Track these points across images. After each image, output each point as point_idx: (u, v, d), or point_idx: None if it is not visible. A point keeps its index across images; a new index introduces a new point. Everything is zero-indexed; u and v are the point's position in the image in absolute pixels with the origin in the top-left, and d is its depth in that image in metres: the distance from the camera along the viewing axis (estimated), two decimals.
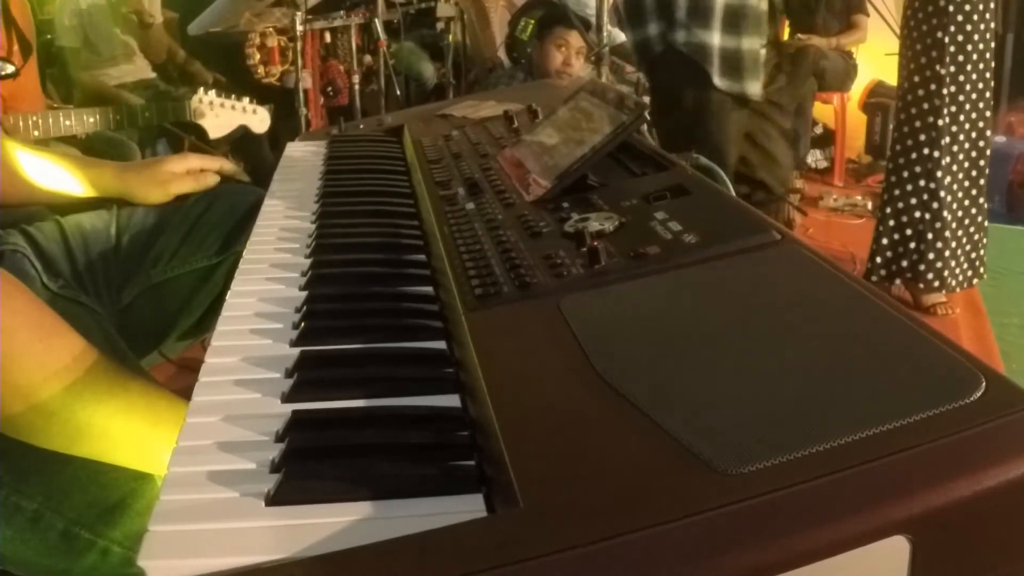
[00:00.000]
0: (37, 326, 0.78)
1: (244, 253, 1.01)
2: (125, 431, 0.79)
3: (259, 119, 2.03)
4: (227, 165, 1.38)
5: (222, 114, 2.00)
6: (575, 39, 3.39)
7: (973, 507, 0.50)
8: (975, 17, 2.65)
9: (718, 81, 2.19)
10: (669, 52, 2.23)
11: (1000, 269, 2.37)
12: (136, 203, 1.31)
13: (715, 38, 2.16)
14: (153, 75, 3.59)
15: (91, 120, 1.99)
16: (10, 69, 1.94)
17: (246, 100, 2.04)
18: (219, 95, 2.02)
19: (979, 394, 0.55)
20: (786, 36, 4.54)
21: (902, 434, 0.52)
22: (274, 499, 0.57)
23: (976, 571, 0.52)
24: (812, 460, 0.51)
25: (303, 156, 1.47)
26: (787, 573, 0.48)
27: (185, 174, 1.32)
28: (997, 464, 0.50)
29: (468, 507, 0.56)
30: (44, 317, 0.80)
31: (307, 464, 0.61)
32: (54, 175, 1.25)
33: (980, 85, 2.70)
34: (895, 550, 0.49)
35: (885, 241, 2.84)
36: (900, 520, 0.49)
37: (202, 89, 2.02)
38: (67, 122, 1.96)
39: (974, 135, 2.73)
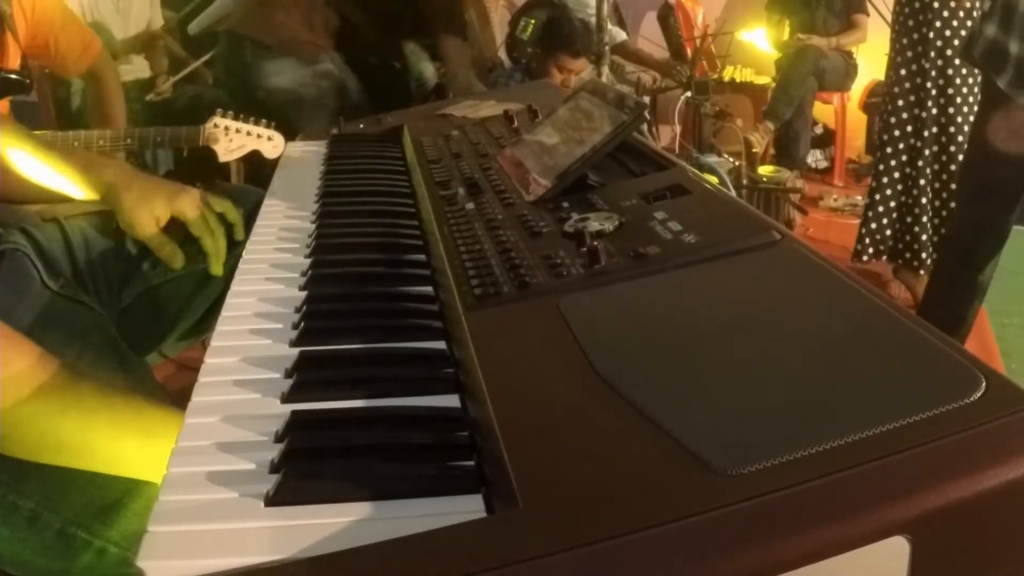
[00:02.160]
0: None
1: (244, 253, 1.01)
2: (86, 441, 0.79)
3: (272, 145, 1.99)
4: (231, 213, 1.26)
5: (236, 139, 1.98)
6: (578, 65, 3.38)
7: (973, 507, 0.50)
8: (961, 14, 2.74)
9: None
10: None
11: (1000, 269, 2.37)
12: (119, 220, 1.20)
13: None
14: (149, 74, 3.58)
15: (101, 142, 1.97)
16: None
17: (262, 125, 2.00)
18: (235, 119, 1.99)
19: (979, 394, 0.55)
20: (786, 35, 4.54)
21: (902, 434, 0.52)
22: (273, 499, 0.57)
23: (976, 571, 0.52)
24: (812, 460, 0.51)
25: (303, 156, 1.47)
26: (787, 573, 0.48)
27: (191, 216, 1.21)
28: (997, 464, 0.50)
29: (467, 507, 0.56)
30: None
31: (306, 464, 0.61)
32: (46, 173, 1.22)
33: (970, 80, 2.75)
34: (895, 550, 0.49)
35: (873, 225, 2.99)
36: (900, 520, 0.49)
37: (219, 112, 1.98)
38: (76, 143, 1.94)
39: (952, 130, 2.80)
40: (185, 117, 2.07)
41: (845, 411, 0.55)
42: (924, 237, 2.92)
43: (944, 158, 2.86)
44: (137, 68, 3.53)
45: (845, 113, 4.53)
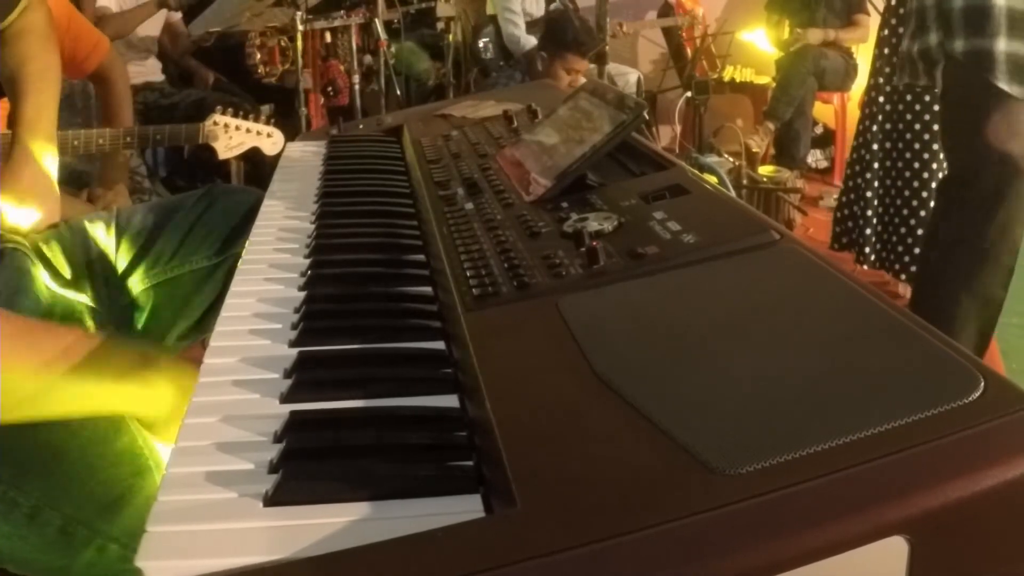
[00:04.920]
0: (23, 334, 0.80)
1: (243, 253, 1.01)
2: (118, 390, 0.83)
3: (272, 142, 2.00)
4: None
5: (235, 136, 1.98)
6: (584, 65, 3.39)
7: (971, 508, 0.50)
8: None
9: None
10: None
11: None
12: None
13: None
14: (162, 78, 3.58)
15: (100, 141, 1.96)
16: None
17: (262, 122, 2.01)
18: (235, 116, 2.00)
19: (978, 394, 0.55)
20: (786, 35, 4.53)
21: (901, 434, 0.52)
22: (272, 500, 0.57)
23: (974, 571, 0.52)
24: (810, 460, 0.51)
25: (303, 156, 1.46)
26: (785, 573, 0.48)
27: None
28: (995, 464, 0.50)
29: (466, 507, 0.56)
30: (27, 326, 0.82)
31: (305, 465, 0.61)
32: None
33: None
34: (893, 550, 0.49)
35: (838, 215, 3.03)
36: (898, 520, 0.49)
37: (218, 109, 1.99)
38: (75, 142, 1.94)
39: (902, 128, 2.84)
40: (187, 121, 2.07)
41: (843, 411, 0.55)
42: (868, 231, 2.94)
43: (894, 155, 2.87)
44: (148, 70, 3.53)
45: (845, 113, 4.53)
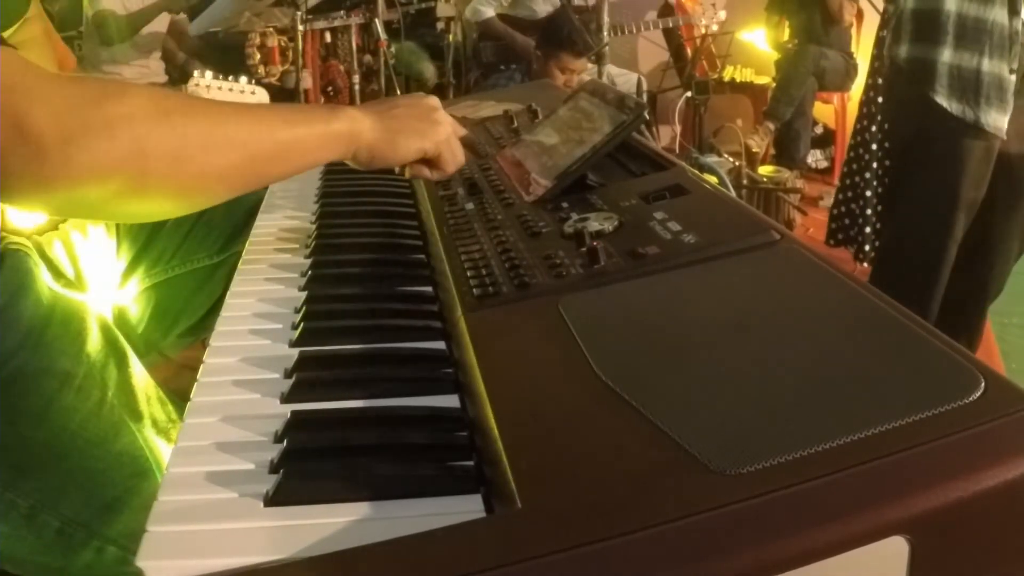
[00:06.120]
0: None
1: (244, 253, 1.01)
2: None
3: (257, 99, 2.01)
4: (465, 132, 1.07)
5: (218, 96, 1.99)
6: (579, 64, 3.40)
7: (972, 508, 0.50)
8: None
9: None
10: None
11: None
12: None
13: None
14: (165, 79, 3.59)
15: None
16: None
17: (243, 81, 2.02)
18: (216, 77, 2.01)
19: (978, 394, 0.55)
20: (785, 36, 4.53)
21: (901, 435, 0.52)
22: (273, 499, 0.57)
23: (975, 572, 0.52)
24: (811, 460, 0.51)
25: None
26: (786, 573, 0.48)
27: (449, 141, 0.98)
28: (996, 464, 0.50)
29: (466, 507, 0.56)
30: None
31: (306, 464, 0.61)
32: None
33: None
34: (894, 551, 0.49)
35: (835, 211, 3.00)
36: (899, 521, 0.49)
37: (197, 72, 2.01)
38: None
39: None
40: None
41: (844, 411, 0.55)
42: (868, 229, 2.92)
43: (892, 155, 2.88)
44: (152, 72, 3.54)
45: (845, 113, 4.53)
